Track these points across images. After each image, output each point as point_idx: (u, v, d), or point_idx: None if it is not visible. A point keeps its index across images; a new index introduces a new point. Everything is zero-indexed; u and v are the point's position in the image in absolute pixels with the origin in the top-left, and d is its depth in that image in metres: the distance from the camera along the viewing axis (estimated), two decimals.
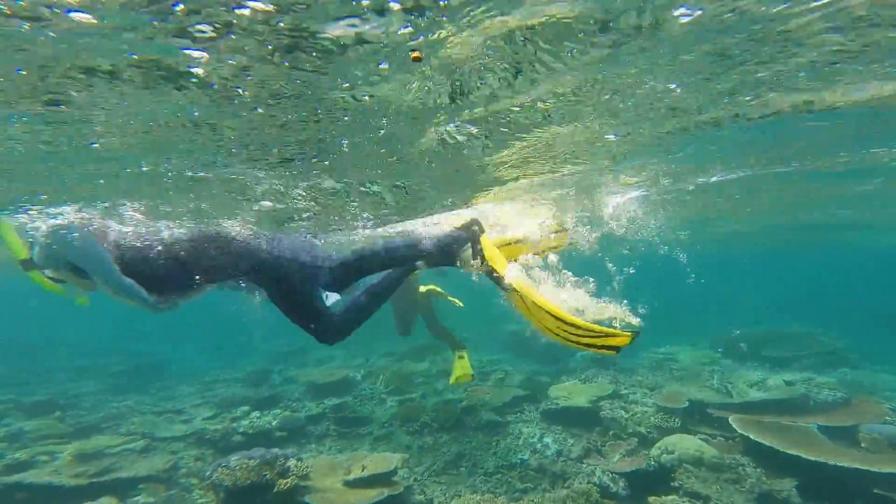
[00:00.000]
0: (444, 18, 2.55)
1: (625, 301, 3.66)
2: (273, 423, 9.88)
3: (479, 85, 3.44)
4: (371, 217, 7.62)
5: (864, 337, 17.85)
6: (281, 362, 17.10)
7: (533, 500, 6.72)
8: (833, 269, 42.90)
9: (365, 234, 8.47)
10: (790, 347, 14.35)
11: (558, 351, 15.74)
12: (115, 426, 10.91)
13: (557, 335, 3.79)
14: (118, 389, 14.90)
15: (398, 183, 6.03)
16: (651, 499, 6.58)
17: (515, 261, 4.62)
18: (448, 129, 4.36)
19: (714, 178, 8.17)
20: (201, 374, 16.47)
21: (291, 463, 6.21)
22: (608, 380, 11.40)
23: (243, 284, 4.48)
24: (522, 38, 2.87)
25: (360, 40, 2.66)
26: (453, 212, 7.89)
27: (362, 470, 6.55)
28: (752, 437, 7.41)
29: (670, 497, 6.58)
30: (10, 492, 7.36)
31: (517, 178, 6.50)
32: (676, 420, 8.73)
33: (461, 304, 8.78)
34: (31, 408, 12.31)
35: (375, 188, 6.10)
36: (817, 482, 6.76)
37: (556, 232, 5.35)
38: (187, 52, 2.66)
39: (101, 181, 5.03)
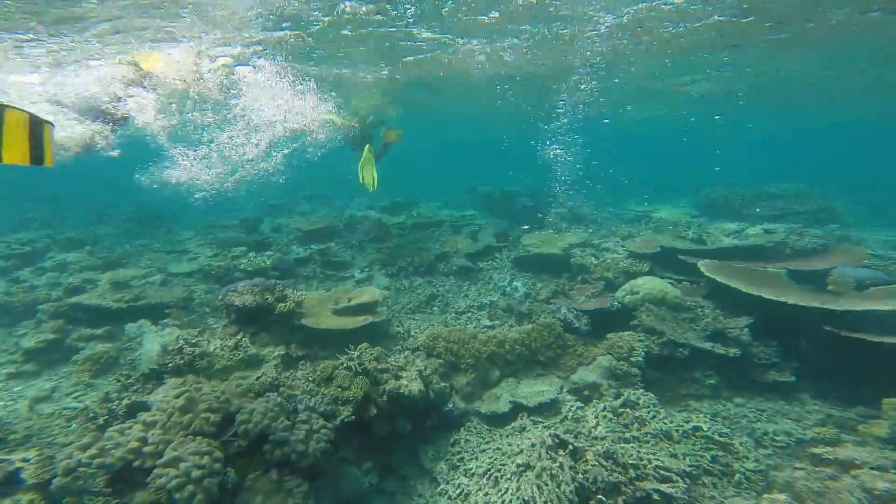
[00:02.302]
0: None
1: None
2: (267, 263, 10.76)
3: None
4: None
5: (869, 200, 17.87)
6: (268, 214, 18.05)
7: (500, 332, 7.36)
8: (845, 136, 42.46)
9: None
10: (780, 206, 14.32)
11: (533, 212, 16.53)
12: (135, 262, 12.16)
13: None
14: (131, 233, 16.15)
15: None
16: (609, 335, 7.13)
17: None
18: None
19: None
20: (198, 222, 17.34)
21: (288, 291, 6.93)
22: (582, 230, 11.85)
23: None
24: None
25: None
26: None
27: (349, 301, 7.24)
28: (717, 279, 7.48)
29: (627, 333, 7.07)
30: (75, 311, 8.79)
31: None
32: (645, 265, 8.99)
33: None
34: (65, 243, 13.84)
35: None
36: (772, 322, 6.99)
37: None
38: None
39: None
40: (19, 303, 9.44)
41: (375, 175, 10.12)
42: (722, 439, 5.49)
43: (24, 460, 4.44)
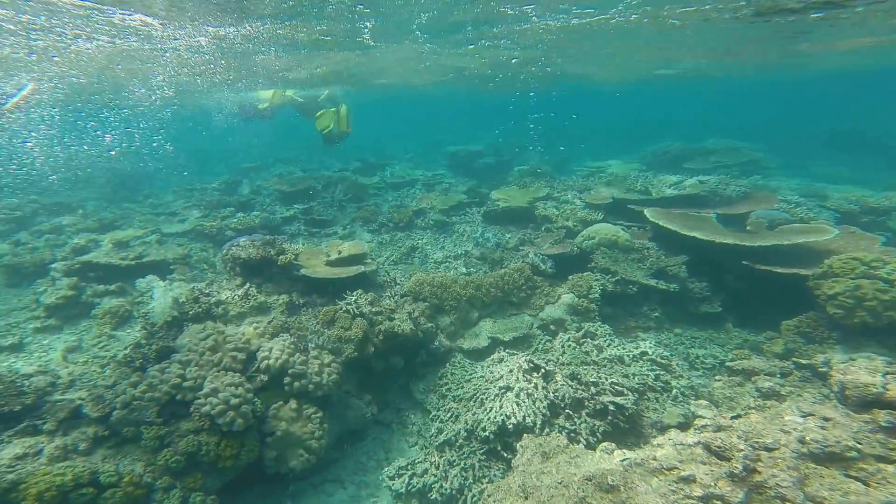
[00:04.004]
0: None
1: None
2: (256, 222, 10.98)
3: None
4: None
5: (788, 153, 18.88)
6: (245, 176, 17.89)
7: (477, 277, 7.84)
8: (765, 89, 43.81)
9: None
10: (714, 160, 15.01)
11: (497, 170, 16.93)
12: (127, 224, 12.09)
13: None
14: (109, 198, 15.82)
15: None
16: (571, 276, 7.66)
17: None
18: None
19: None
20: (175, 185, 17.23)
21: (286, 245, 7.21)
22: (544, 184, 12.20)
23: None
24: None
25: None
26: None
27: (339, 253, 7.53)
28: (660, 223, 7.98)
29: (587, 273, 7.64)
30: (86, 269, 8.93)
31: None
32: (600, 214, 9.54)
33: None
34: (52, 207, 13.65)
35: None
36: (704, 260, 7.62)
37: None
38: None
39: None
40: (28, 263, 9.53)
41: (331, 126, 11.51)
42: (663, 362, 6.13)
43: (81, 399, 4.76)
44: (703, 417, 3.79)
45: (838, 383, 3.40)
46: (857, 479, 2.68)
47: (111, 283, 8.63)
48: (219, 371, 4.94)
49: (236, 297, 6.42)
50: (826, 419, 3.01)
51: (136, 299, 8.24)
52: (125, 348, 6.02)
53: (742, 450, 2.83)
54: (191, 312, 6.07)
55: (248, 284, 6.68)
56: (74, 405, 4.71)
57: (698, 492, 2.73)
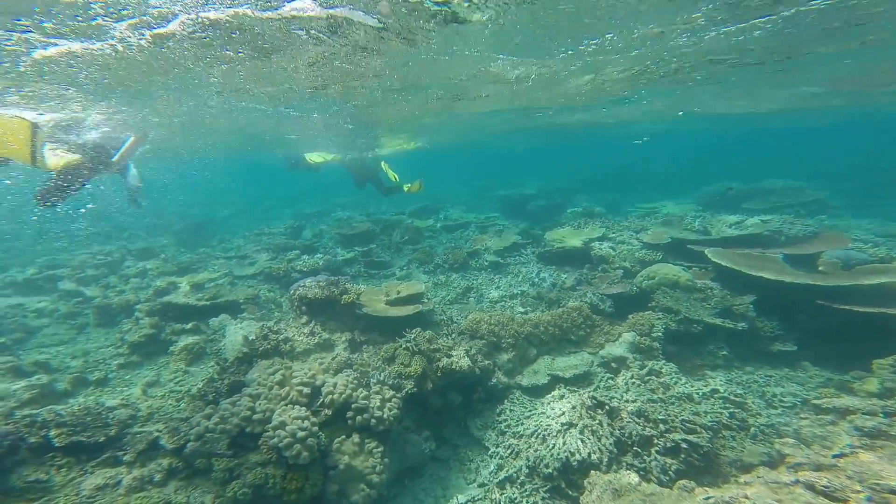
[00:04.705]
0: None
1: None
2: (319, 264, 11.27)
3: None
4: None
5: (854, 193, 18.05)
6: (308, 221, 18.53)
7: (534, 316, 7.73)
8: (827, 131, 42.41)
9: None
10: (774, 200, 14.57)
11: (548, 213, 16.84)
12: (202, 267, 12.72)
13: None
14: (184, 243, 16.80)
15: None
16: (631, 315, 7.45)
17: None
18: None
19: None
20: (243, 230, 18.03)
21: (349, 285, 7.38)
22: (598, 225, 12.00)
23: None
24: None
25: None
26: None
27: (398, 293, 7.66)
28: (723, 263, 7.79)
29: (647, 312, 7.40)
30: (167, 310, 9.35)
31: None
32: (658, 254, 9.32)
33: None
34: (138, 253, 14.61)
35: None
36: (772, 300, 7.35)
37: None
38: None
39: None
40: (116, 304, 10.17)
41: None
42: (737, 399, 5.80)
43: (158, 431, 4.93)
44: (794, 456, 3.49)
45: None
46: None
47: (187, 322, 9.00)
48: (286, 405, 5.01)
49: (302, 334, 6.57)
50: None
51: (209, 337, 8.54)
52: (199, 383, 6.23)
53: (860, 490, 2.64)
54: (260, 349, 6.24)
55: (313, 322, 6.83)
56: (152, 437, 4.89)
57: None
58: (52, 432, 4.73)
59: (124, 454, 4.75)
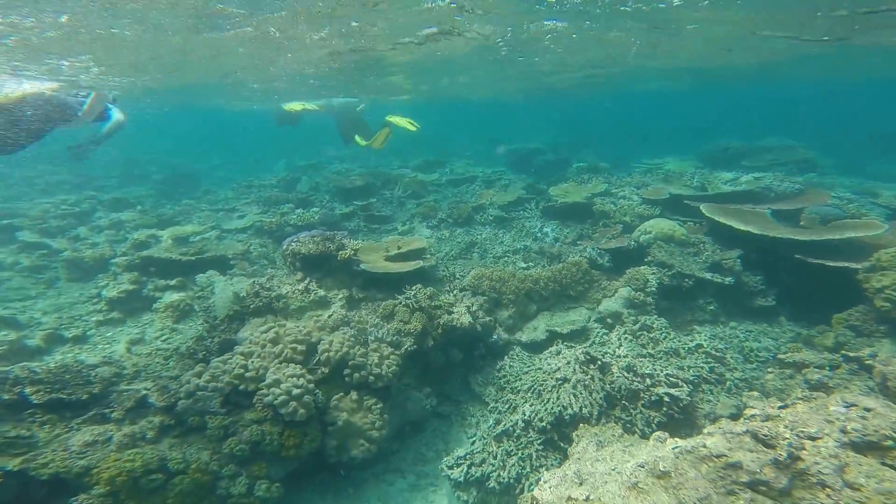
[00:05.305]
0: None
1: None
2: (315, 218, 10.93)
3: None
4: None
5: (844, 153, 18.33)
6: (303, 174, 17.79)
7: (535, 272, 7.66)
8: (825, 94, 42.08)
9: None
10: (770, 158, 14.66)
11: (555, 167, 16.49)
12: (186, 219, 12.26)
13: None
14: (166, 194, 16.12)
15: None
16: (628, 270, 7.41)
17: None
18: None
19: None
20: (231, 182, 17.38)
21: (346, 240, 7.07)
22: (602, 180, 11.84)
23: None
24: None
25: None
26: None
27: (399, 248, 7.47)
28: (715, 218, 7.86)
29: (643, 267, 7.39)
30: (147, 264, 8.94)
31: None
32: (657, 210, 9.35)
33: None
34: (110, 203, 13.78)
35: None
36: (757, 254, 7.55)
37: None
38: None
39: None
40: (89, 258, 9.61)
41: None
42: (717, 354, 5.98)
43: (146, 389, 4.69)
44: (754, 408, 3.68)
45: (880, 375, 3.53)
46: (892, 467, 2.73)
47: (171, 278, 8.61)
48: (280, 362, 4.82)
49: (297, 291, 6.31)
50: (867, 409, 3.02)
51: (196, 294, 8.11)
52: (188, 341, 5.98)
53: (787, 438, 2.87)
54: (251, 307, 6.02)
55: (308, 279, 6.57)
56: (140, 395, 4.70)
57: (745, 478, 2.77)
58: (28, 389, 4.46)
59: (111, 412, 4.52)
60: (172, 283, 8.48)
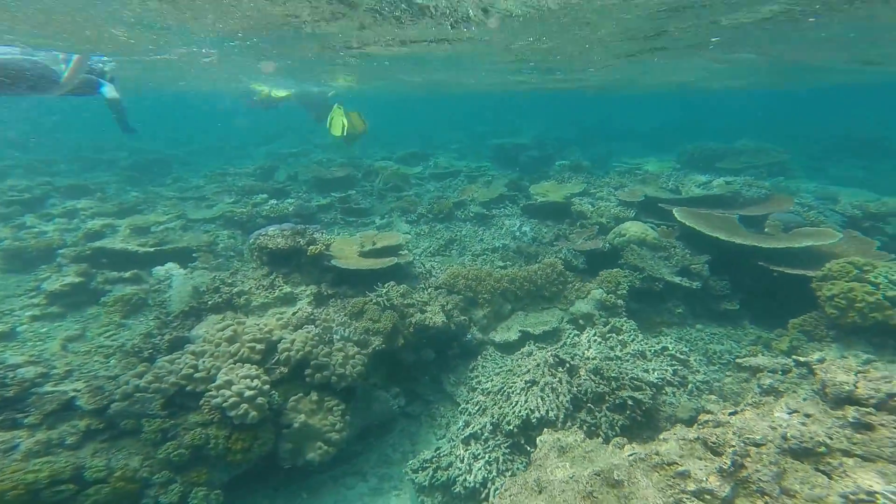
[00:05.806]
0: None
1: None
2: (289, 210, 10.55)
3: None
4: None
5: (815, 157, 18.65)
6: (282, 162, 17.36)
7: (511, 271, 7.52)
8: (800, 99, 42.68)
9: None
10: (743, 160, 14.85)
11: (539, 164, 16.30)
12: (149, 208, 11.61)
13: None
14: (133, 181, 15.32)
15: None
16: (601, 272, 7.38)
17: None
18: None
19: None
20: (207, 169, 16.68)
21: (317, 235, 6.80)
22: (582, 179, 11.75)
23: None
24: None
25: None
26: None
27: (374, 244, 7.24)
28: (686, 223, 7.88)
29: (616, 269, 7.36)
30: (98, 256, 8.34)
31: None
32: (632, 212, 9.28)
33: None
34: (67, 190, 12.95)
35: None
36: (725, 259, 7.58)
37: None
38: None
39: None
40: (32, 248, 8.83)
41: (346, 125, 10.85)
42: (682, 357, 6.03)
43: (76, 391, 4.33)
44: (709, 413, 3.78)
45: (820, 381, 3.52)
46: (824, 472, 2.81)
47: (126, 270, 8.02)
48: (235, 362, 4.53)
49: (261, 287, 6.01)
50: (807, 416, 3.13)
51: (152, 288, 7.47)
52: (135, 338, 5.58)
53: (734, 446, 2.94)
54: (210, 302, 5.74)
55: (274, 275, 6.25)
56: (67, 397, 4.37)
57: (692, 486, 2.80)
58: None
59: (26, 416, 4.11)
60: (126, 275, 7.90)
